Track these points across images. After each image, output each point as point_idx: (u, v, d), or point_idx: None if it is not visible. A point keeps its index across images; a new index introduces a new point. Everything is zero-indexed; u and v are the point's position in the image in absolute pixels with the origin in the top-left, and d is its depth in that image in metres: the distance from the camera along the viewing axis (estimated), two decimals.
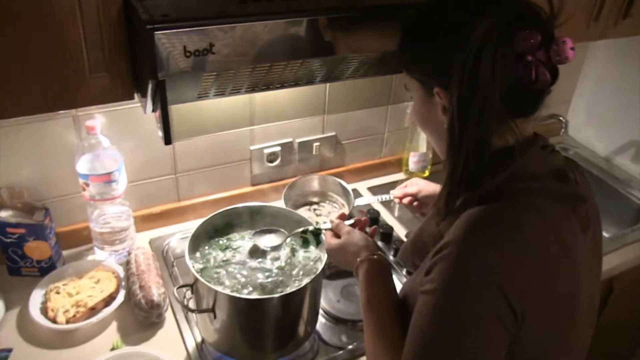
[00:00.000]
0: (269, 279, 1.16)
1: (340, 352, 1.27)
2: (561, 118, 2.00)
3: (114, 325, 1.29)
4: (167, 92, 0.95)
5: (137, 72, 1.00)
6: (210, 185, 1.65)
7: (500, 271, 0.74)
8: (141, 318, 1.28)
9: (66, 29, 0.91)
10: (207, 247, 1.23)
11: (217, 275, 1.15)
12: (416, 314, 0.79)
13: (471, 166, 0.78)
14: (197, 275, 1.09)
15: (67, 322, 1.24)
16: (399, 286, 1.01)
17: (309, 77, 1.17)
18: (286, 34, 0.97)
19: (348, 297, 1.40)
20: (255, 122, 1.61)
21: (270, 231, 1.24)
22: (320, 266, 1.15)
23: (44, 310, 1.27)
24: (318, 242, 1.23)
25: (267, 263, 1.20)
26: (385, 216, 1.74)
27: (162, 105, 0.97)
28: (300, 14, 0.97)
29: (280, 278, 1.17)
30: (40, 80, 0.93)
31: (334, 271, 1.45)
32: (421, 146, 1.89)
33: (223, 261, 1.19)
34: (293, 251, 1.23)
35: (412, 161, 1.91)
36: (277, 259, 1.21)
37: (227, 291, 1.10)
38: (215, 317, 1.10)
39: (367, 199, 1.70)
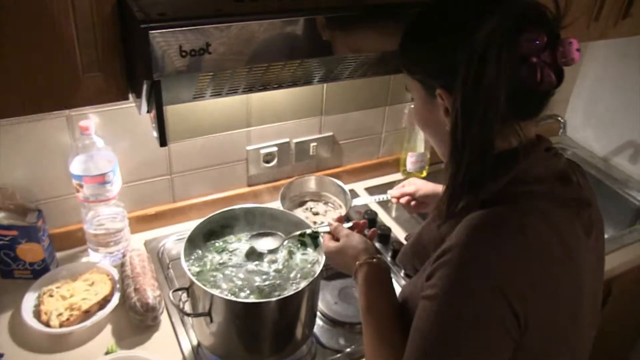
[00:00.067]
0: (266, 282, 1.15)
1: (338, 355, 1.25)
2: (560, 118, 1.99)
3: (108, 328, 1.27)
4: (162, 92, 0.94)
5: (131, 72, 0.98)
6: (206, 186, 1.64)
7: (503, 276, 0.73)
8: (136, 321, 1.26)
9: (58, 28, 0.89)
10: (203, 250, 1.21)
11: (213, 279, 1.14)
12: (417, 319, 0.78)
13: (474, 169, 0.76)
14: (193, 279, 1.08)
15: (61, 325, 1.22)
16: (398, 289, 1.00)
17: (307, 77, 1.15)
18: (284, 33, 0.95)
19: (346, 299, 1.38)
20: (252, 124, 1.60)
21: (267, 234, 1.23)
22: (318, 269, 1.14)
23: (37, 314, 1.25)
24: (316, 246, 1.22)
25: (264, 266, 1.19)
26: (383, 217, 1.72)
27: (157, 106, 0.95)
28: (298, 13, 0.95)
29: (278, 281, 1.15)
30: (32, 80, 0.91)
31: (332, 272, 1.43)
32: (419, 146, 1.88)
33: (219, 264, 1.18)
34: (290, 253, 1.22)
35: (410, 161, 1.90)
36: (275, 261, 1.20)
37: (224, 295, 1.09)
38: (211, 320, 1.09)
39: (365, 199, 1.69)
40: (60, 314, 1.23)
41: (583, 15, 1.47)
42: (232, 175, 1.66)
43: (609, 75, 2.11)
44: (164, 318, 1.30)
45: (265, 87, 1.13)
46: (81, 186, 1.35)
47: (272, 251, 1.21)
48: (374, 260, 1.02)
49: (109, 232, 1.40)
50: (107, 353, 1.20)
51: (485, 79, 0.71)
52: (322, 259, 1.13)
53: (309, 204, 1.69)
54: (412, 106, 1.83)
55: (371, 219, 1.64)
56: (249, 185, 1.71)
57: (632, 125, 2.04)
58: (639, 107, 2.00)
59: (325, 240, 1.13)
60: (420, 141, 1.87)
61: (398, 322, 0.90)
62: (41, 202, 1.40)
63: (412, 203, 1.40)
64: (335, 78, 1.20)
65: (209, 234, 1.24)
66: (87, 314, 1.26)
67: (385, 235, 1.60)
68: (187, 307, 1.16)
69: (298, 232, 1.21)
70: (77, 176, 1.34)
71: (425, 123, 0.89)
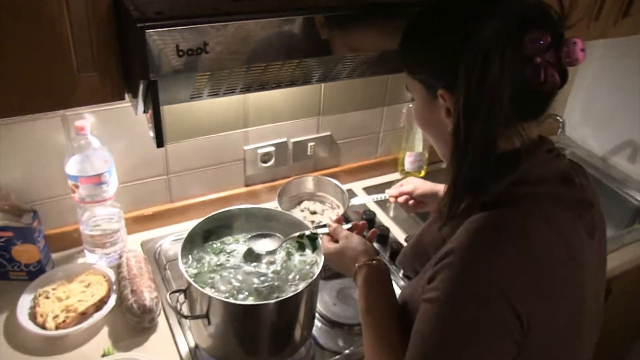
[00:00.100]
0: (265, 284, 1.14)
1: (337, 356, 1.25)
2: (558, 117, 1.99)
3: (105, 330, 1.26)
4: (159, 92, 0.92)
5: (127, 71, 0.97)
6: (203, 186, 1.63)
7: (506, 279, 0.72)
8: (133, 323, 1.25)
9: (53, 27, 0.87)
10: (200, 251, 1.20)
11: (211, 280, 1.13)
12: (418, 322, 0.77)
13: (476, 170, 0.76)
14: (191, 281, 1.06)
15: (57, 327, 1.21)
16: (397, 291, 0.99)
17: (306, 77, 1.14)
18: (282, 32, 0.94)
19: (344, 300, 1.37)
20: (250, 123, 1.59)
21: (265, 235, 1.22)
22: (316, 270, 1.13)
23: (33, 316, 1.24)
24: (314, 248, 1.21)
25: (263, 267, 1.18)
26: (381, 217, 1.72)
27: (154, 106, 0.94)
28: (296, 12, 0.94)
29: (276, 283, 1.14)
30: (27, 80, 0.90)
31: (330, 273, 1.42)
32: (417, 146, 1.87)
33: (217, 265, 1.17)
34: (289, 255, 1.21)
35: (408, 161, 1.89)
36: (273, 262, 1.19)
37: (222, 297, 1.08)
38: (209, 323, 1.08)
39: (362, 199, 1.68)
40: (56, 316, 1.22)
41: (583, 15, 1.47)
42: (230, 175, 1.65)
43: (606, 75, 2.11)
44: (161, 320, 1.29)
45: (263, 87, 1.12)
46: (77, 187, 1.33)
47: (271, 252, 1.19)
48: (374, 262, 1.01)
49: (105, 233, 1.39)
50: (103, 355, 1.19)
51: (489, 79, 0.70)
52: (321, 260, 1.12)
53: (307, 204, 1.68)
54: (410, 105, 1.82)
55: (369, 219, 1.63)
56: (247, 185, 1.70)
57: (631, 124, 2.04)
58: (637, 107, 1.99)
59: (324, 242, 1.13)
60: (419, 140, 1.86)
61: (398, 324, 0.90)
62: (37, 202, 1.39)
63: (410, 202, 1.39)
64: (334, 78, 1.19)
65: (206, 235, 1.23)
66: (84, 315, 1.24)
67: (383, 236, 1.59)
68: (185, 309, 1.15)
69: (297, 234, 1.20)
70: (72, 177, 1.32)
71: (426, 123, 0.88)
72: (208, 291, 1.07)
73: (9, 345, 1.20)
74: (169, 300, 1.09)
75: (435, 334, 0.74)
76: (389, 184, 1.77)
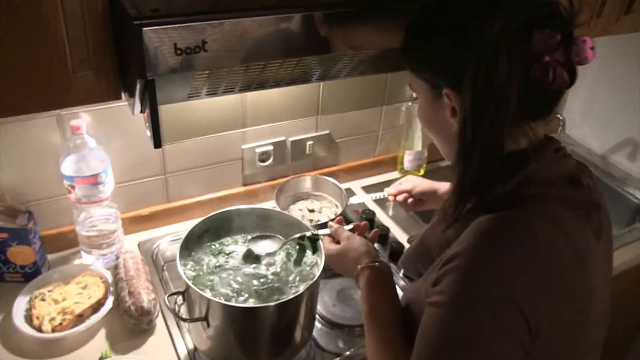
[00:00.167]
0: (265, 286, 1.12)
1: (337, 358, 1.23)
2: (559, 116, 1.98)
3: (102, 333, 1.25)
4: (156, 92, 0.91)
5: (124, 70, 0.96)
6: (201, 186, 1.61)
7: (513, 281, 0.71)
8: (131, 325, 1.24)
9: (47, 25, 0.86)
10: (199, 253, 1.18)
11: (210, 283, 1.11)
12: (423, 327, 0.76)
13: (482, 170, 0.74)
14: (190, 284, 1.05)
15: (53, 330, 1.19)
16: (400, 292, 0.98)
17: (305, 75, 1.13)
18: (281, 30, 0.93)
19: (345, 301, 1.36)
20: (248, 122, 1.57)
21: (266, 237, 1.20)
22: (317, 272, 1.11)
23: (29, 318, 1.23)
24: (315, 249, 1.18)
25: (262, 269, 1.16)
26: (381, 216, 1.70)
27: (151, 106, 0.92)
28: (296, 9, 0.93)
29: (276, 284, 1.13)
30: (21, 79, 0.88)
31: (330, 273, 1.41)
32: (416, 144, 1.86)
33: (216, 267, 1.15)
34: (289, 256, 1.19)
35: (407, 159, 1.88)
36: (272, 264, 1.18)
37: (221, 299, 1.06)
38: (208, 325, 1.07)
39: (361, 198, 1.66)
40: (52, 319, 1.21)
41: (585, 12, 1.46)
42: (228, 175, 1.64)
43: (606, 74, 2.10)
44: (159, 322, 1.28)
45: (262, 86, 1.11)
46: (73, 187, 1.32)
47: (271, 254, 1.18)
48: (376, 263, 1.00)
49: (101, 234, 1.37)
50: (101, 358, 1.18)
51: (497, 78, 0.69)
52: (322, 261, 1.11)
53: (305, 203, 1.66)
54: (410, 104, 1.81)
55: (369, 218, 1.62)
56: (245, 185, 1.69)
57: (630, 123, 2.03)
58: (637, 105, 1.99)
59: (325, 243, 1.11)
60: (418, 139, 1.85)
61: (401, 326, 0.89)
62: (32, 203, 1.37)
63: (409, 200, 1.38)
64: (334, 76, 1.18)
65: (205, 235, 1.22)
66: (80, 318, 1.23)
67: (383, 235, 1.57)
68: (183, 311, 1.13)
69: (297, 235, 1.18)
70: (68, 177, 1.31)
71: (430, 122, 0.87)
72: (207, 294, 1.05)
73: (4, 349, 1.19)
74: (167, 303, 1.07)
75: (441, 337, 0.73)
76: (388, 183, 1.76)
